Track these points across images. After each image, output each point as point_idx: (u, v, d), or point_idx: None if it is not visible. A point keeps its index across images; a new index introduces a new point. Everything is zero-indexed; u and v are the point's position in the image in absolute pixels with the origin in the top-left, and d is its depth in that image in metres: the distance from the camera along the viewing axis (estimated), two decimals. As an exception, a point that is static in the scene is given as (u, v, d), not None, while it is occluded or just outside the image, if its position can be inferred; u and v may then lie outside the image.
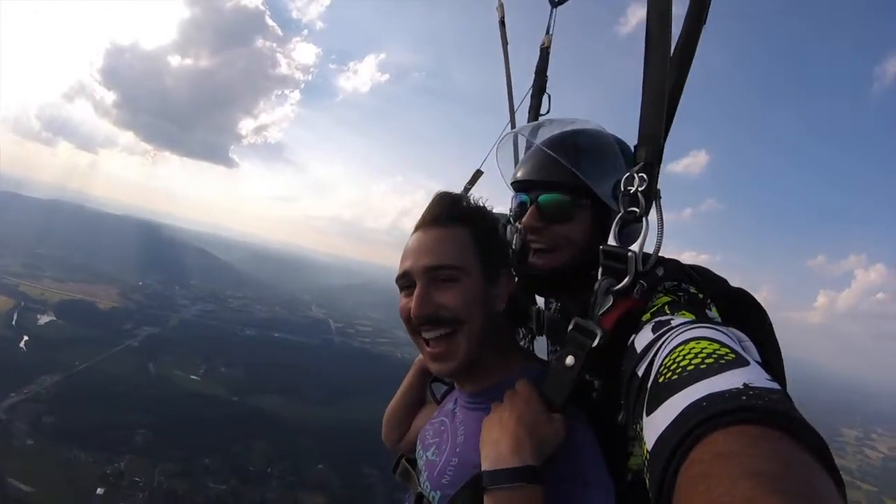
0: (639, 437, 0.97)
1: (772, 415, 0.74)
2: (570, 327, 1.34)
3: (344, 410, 72.95)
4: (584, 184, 1.56)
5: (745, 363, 0.87)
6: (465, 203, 1.61)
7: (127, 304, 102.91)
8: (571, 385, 1.30)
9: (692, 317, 1.20)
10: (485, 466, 1.24)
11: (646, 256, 1.33)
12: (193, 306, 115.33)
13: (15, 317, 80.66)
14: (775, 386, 0.82)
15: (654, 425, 0.88)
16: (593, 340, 1.26)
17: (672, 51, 1.38)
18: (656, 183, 1.35)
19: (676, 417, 0.83)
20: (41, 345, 72.61)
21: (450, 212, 1.56)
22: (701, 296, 1.38)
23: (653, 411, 0.92)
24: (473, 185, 2.31)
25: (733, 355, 0.90)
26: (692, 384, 0.85)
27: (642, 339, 1.17)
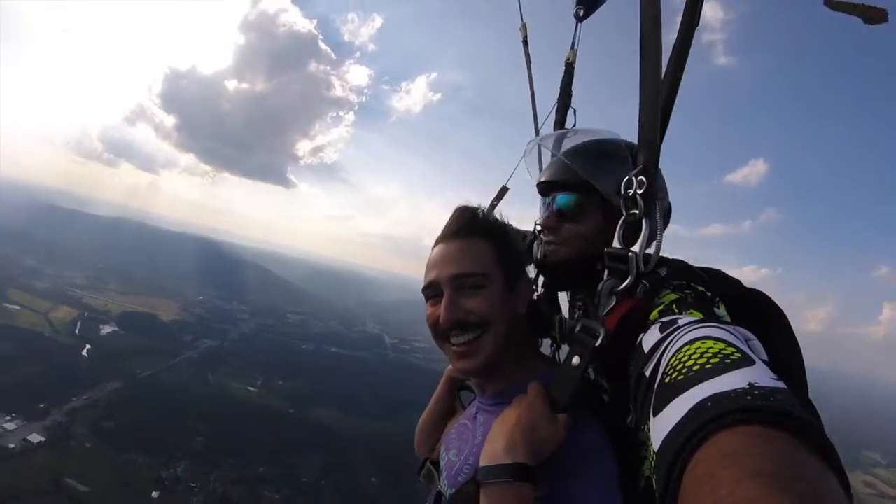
0: (646, 439, 0.98)
1: (777, 415, 0.74)
2: (577, 328, 1.39)
3: (398, 425, 71.16)
4: (589, 180, 1.67)
5: (751, 362, 0.88)
6: (482, 216, 1.74)
7: (187, 318, 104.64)
8: (575, 384, 1.35)
9: (700, 315, 1.22)
10: (481, 463, 1.32)
11: (647, 257, 1.39)
12: (252, 320, 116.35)
13: (78, 326, 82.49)
14: (781, 385, 0.82)
15: (660, 426, 0.89)
16: (597, 340, 1.31)
17: (670, 52, 1.49)
18: (654, 185, 1.40)
19: (682, 418, 0.83)
20: (103, 353, 73.97)
21: (470, 224, 1.68)
22: (709, 294, 1.39)
23: (659, 412, 0.92)
24: (500, 200, 2.34)
25: (739, 354, 0.91)
26: (697, 384, 0.86)
27: (650, 338, 1.19)
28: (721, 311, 1.34)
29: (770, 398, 0.77)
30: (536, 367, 1.66)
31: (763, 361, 0.91)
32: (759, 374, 0.83)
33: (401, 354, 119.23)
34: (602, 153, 1.73)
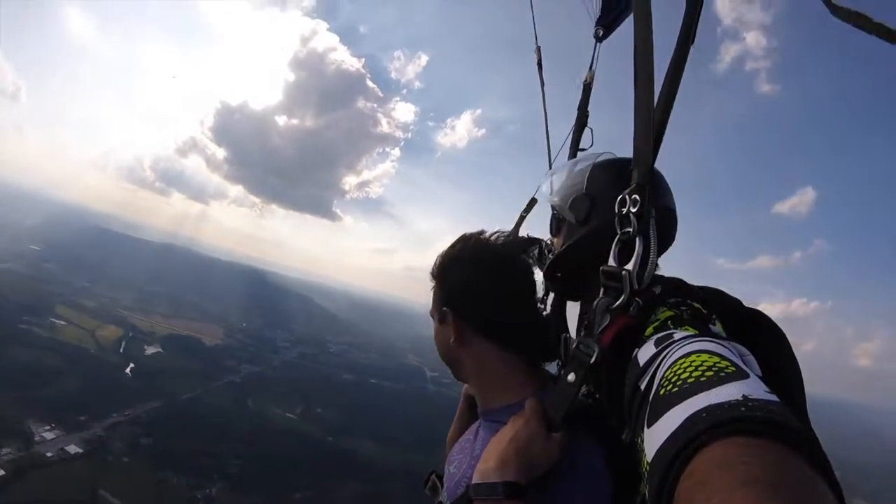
0: (640, 451, 0.99)
1: (771, 426, 0.74)
2: (574, 346, 1.41)
3: (436, 458, 69.00)
4: (555, 204, 1.86)
5: (745, 376, 0.89)
6: (443, 256, 1.85)
7: (231, 343, 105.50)
8: (569, 402, 1.36)
9: (695, 331, 1.24)
10: (473, 479, 1.36)
11: (641, 275, 1.40)
12: (294, 349, 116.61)
13: (123, 345, 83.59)
14: (774, 398, 0.83)
15: (654, 437, 0.89)
16: (591, 357, 1.33)
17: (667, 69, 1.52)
18: (647, 204, 1.41)
19: (676, 429, 0.84)
20: (146, 373, 74.55)
21: (433, 269, 1.87)
22: (705, 311, 1.40)
23: (653, 423, 0.93)
24: (528, 212, 2.44)
25: (733, 368, 0.92)
26: (692, 396, 0.87)
27: (645, 353, 1.20)
28: (717, 327, 1.35)
29: (764, 409, 0.78)
30: (528, 388, 1.67)
31: (757, 376, 0.92)
32: (753, 388, 0.84)
33: (441, 388, 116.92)
34: (567, 173, 1.88)
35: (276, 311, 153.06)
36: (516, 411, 1.47)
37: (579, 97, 2.70)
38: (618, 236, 1.44)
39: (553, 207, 1.88)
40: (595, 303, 1.41)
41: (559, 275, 1.82)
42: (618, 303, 1.37)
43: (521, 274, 1.79)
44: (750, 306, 1.50)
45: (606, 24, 2.61)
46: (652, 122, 1.40)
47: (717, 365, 0.93)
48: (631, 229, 1.40)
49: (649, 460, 0.88)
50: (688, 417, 0.83)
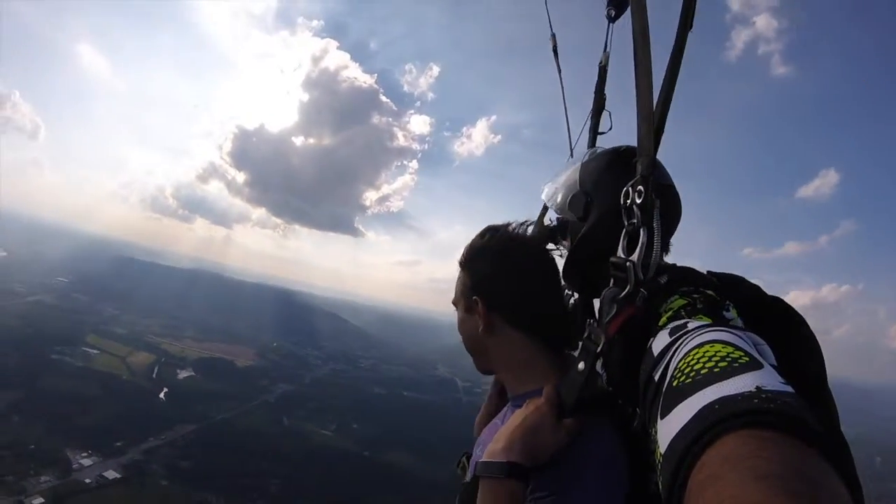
0: (654, 442, 0.99)
1: (784, 418, 0.74)
2: (585, 335, 1.46)
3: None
4: (555, 206, 1.92)
5: (759, 366, 0.88)
6: (471, 246, 1.90)
7: (262, 363, 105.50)
8: (578, 389, 1.41)
9: (709, 320, 1.24)
10: (482, 458, 1.47)
11: (646, 266, 1.41)
12: (325, 366, 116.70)
13: (156, 371, 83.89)
14: (789, 389, 0.82)
15: (667, 428, 0.89)
16: (598, 346, 1.38)
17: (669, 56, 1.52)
18: (650, 195, 1.42)
19: (689, 421, 0.84)
20: (180, 396, 74.72)
21: (461, 258, 1.92)
22: (719, 298, 1.39)
23: (666, 415, 0.93)
24: (546, 211, 2.42)
25: (747, 358, 0.91)
26: (705, 387, 0.86)
27: (659, 342, 1.19)
28: (731, 313, 1.35)
29: (778, 401, 0.77)
30: (551, 375, 1.70)
31: (772, 366, 0.91)
32: (767, 378, 0.84)
33: (473, 398, 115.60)
34: (564, 179, 1.90)
35: (305, 329, 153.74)
36: (529, 396, 1.58)
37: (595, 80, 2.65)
38: (624, 228, 1.47)
39: (556, 212, 1.92)
40: (603, 293, 1.44)
41: (575, 273, 1.84)
42: (623, 293, 1.39)
43: (548, 265, 1.85)
44: (770, 294, 1.49)
45: (618, 3, 2.51)
46: (653, 112, 1.42)
47: (731, 355, 0.92)
48: (636, 220, 1.43)
49: (662, 452, 0.88)
50: (700, 409, 0.83)
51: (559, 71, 2.87)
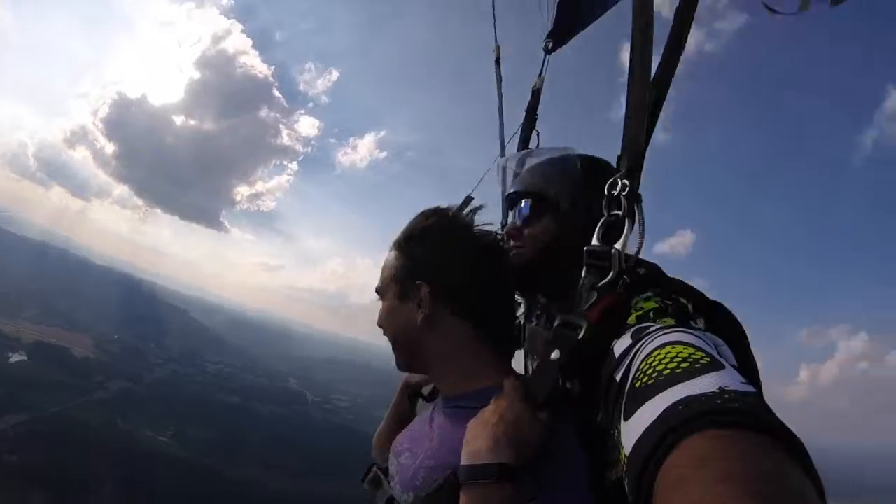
0: (617, 444, 0.98)
1: (748, 417, 0.74)
2: (556, 323, 1.39)
3: (317, 485, 69.33)
4: (541, 189, 1.82)
5: (721, 367, 0.88)
6: (412, 227, 1.72)
7: (101, 356, 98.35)
8: (552, 380, 1.30)
9: (672, 322, 1.23)
10: (463, 461, 1.25)
11: (628, 255, 1.40)
12: (167, 366, 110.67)
13: (-15, 350, 75.83)
14: (750, 389, 0.83)
15: (631, 430, 0.88)
16: (579, 333, 1.29)
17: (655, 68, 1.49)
18: (638, 187, 1.43)
19: (653, 422, 0.83)
20: (10, 382, 68.19)
21: (397, 238, 1.74)
22: (690, 307, 1.39)
23: (630, 416, 0.92)
24: (463, 210, 2.24)
25: (708, 359, 0.91)
26: (667, 388, 0.86)
27: (621, 344, 1.19)
28: (699, 324, 1.34)
29: (741, 401, 0.78)
30: (499, 373, 1.57)
31: (732, 367, 0.93)
32: (729, 379, 0.84)
33: (323, 413, 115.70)
34: (551, 165, 1.90)
35: (151, 323, 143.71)
36: (487, 396, 1.39)
37: (528, 100, 2.77)
38: (604, 218, 1.46)
39: (537, 193, 1.83)
40: (581, 282, 1.43)
41: (550, 263, 1.76)
42: (606, 280, 1.37)
43: (503, 255, 1.73)
44: (712, 299, 1.52)
45: (557, 39, 2.68)
46: (646, 109, 1.42)
47: (693, 356, 0.92)
48: (620, 211, 1.43)
49: (626, 454, 0.87)
50: (663, 411, 0.82)
51: (499, 81, 2.99)
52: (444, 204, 1.74)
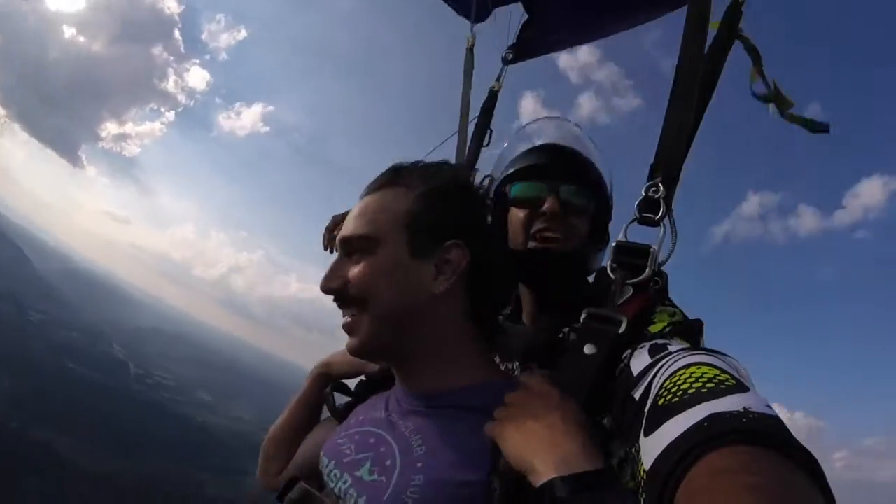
0: (633, 460, 0.96)
1: (770, 437, 0.75)
2: (584, 317, 1.23)
3: (127, 464, 68.43)
4: (597, 183, 1.70)
5: (746, 389, 0.88)
6: (411, 166, 1.37)
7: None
8: (593, 376, 1.13)
9: (687, 344, 1.18)
10: (550, 474, 0.92)
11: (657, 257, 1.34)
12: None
13: None
14: (773, 413, 0.82)
15: (654, 445, 0.86)
16: (618, 328, 1.17)
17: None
18: (673, 197, 1.36)
19: (677, 437, 0.82)
20: None
21: (389, 177, 1.34)
22: (696, 326, 1.36)
23: (651, 432, 0.90)
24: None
25: (734, 381, 0.90)
26: (693, 406, 0.85)
27: (639, 361, 1.10)
28: (702, 340, 1.32)
29: (764, 422, 0.78)
30: (493, 369, 1.36)
31: (755, 391, 0.89)
32: (753, 401, 0.83)
33: (144, 388, 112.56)
34: (603, 159, 1.77)
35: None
36: (482, 395, 1.20)
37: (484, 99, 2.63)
38: (634, 218, 1.37)
39: (602, 189, 1.70)
40: (614, 276, 1.30)
41: (577, 259, 1.63)
42: (642, 277, 1.27)
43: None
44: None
45: (517, 54, 2.60)
46: (688, 121, 1.37)
47: (718, 377, 0.90)
48: (655, 215, 1.34)
49: (647, 468, 0.85)
50: (690, 426, 0.81)
51: (469, 69, 2.74)
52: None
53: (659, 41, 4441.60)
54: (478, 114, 2.60)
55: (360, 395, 1.65)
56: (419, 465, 1.15)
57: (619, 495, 0.92)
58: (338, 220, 1.99)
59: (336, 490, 1.26)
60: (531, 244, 1.61)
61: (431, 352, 1.28)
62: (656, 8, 2.26)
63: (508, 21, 2.67)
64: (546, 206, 1.59)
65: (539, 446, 1.00)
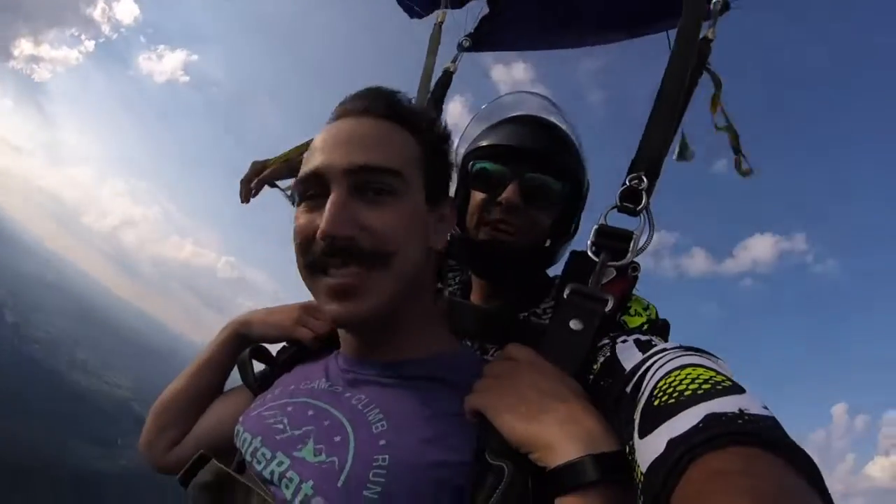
0: (633, 461, 0.88)
1: (767, 439, 0.73)
2: (568, 293, 1.14)
3: None
4: (574, 172, 1.58)
5: (742, 391, 0.85)
6: (407, 104, 1.14)
7: None
8: (585, 351, 1.05)
9: (665, 341, 1.10)
10: (576, 452, 0.82)
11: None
12: None
13: None
14: (770, 414, 0.80)
15: (650, 447, 0.82)
16: (605, 305, 1.10)
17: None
18: (653, 189, 1.30)
19: (674, 438, 0.79)
20: None
21: (390, 106, 1.09)
22: (663, 323, 1.40)
23: (647, 434, 0.85)
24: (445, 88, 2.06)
25: (729, 382, 0.87)
26: (690, 407, 0.82)
27: (628, 355, 1.03)
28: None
29: (761, 424, 0.76)
30: (450, 344, 1.18)
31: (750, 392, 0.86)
32: (749, 402, 0.80)
33: (16, 337, 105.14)
34: (580, 146, 1.65)
35: None
36: (446, 365, 1.07)
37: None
38: (615, 205, 1.29)
39: (575, 176, 1.59)
40: (597, 257, 1.20)
41: (535, 254, 1.55)
42: (624, 261, 1.20)
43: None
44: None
45: (476, 43, 2.42)
46: (675, 109, 1.32)
47: (714, 378, 0.87)
48: (636, 205, 1.26)
49: (643, 470, 0.81)
50: (685, 428, 0.78)
51: (435, 45, 2.42)
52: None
53: (592, 71, 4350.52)
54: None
55: (284, 364, 1.33)
56: (382, 442, 0.93)
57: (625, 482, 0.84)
58: (258, 169, 1.80)
59: (267, 473, 0.98)
60: (483, 233, 1.51)
61: (417, 316, 1.11)
62: (626, 31, 2.23)
63: (466, 13, 2.50)
64: (504, 195, 1.49)
65: (555, 421, 0.90)
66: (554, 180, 1.52)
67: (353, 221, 0.96)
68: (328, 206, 0.95)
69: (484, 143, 1.59)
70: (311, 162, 1.03)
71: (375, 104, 1.08)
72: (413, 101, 1.17)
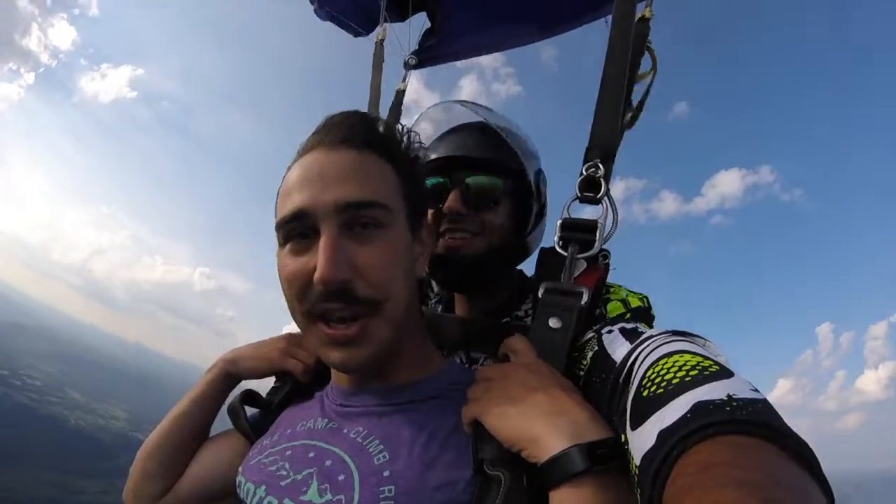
0: (627, 452, 0.87)
1: (757, 425, 0.71)
2: (542, 291, 1.15)
3: None
4: (512, 166, 1.54)
5: (729, 374, 0.83)
6: (382, 126, 1.12)
7: None
8: (567, 348, 1.06)
9: (645, 326, 1.11)
10: (561, 444, 0.81)
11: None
12: None
13: None
14: (760, 396, 0.78)
15: (641, 440, 0.81)
16: (580, 299, 1.10)
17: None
18: (612, 172, 1.28)
19: (662, 430, 0.77)
20: None
21: (367, 134, 1.05)
22: (648, 307, 1.38)
23: (638, 426, 0.83)
24: (399, 107, 2.07)
25: (717, 367, 0.85)
26: (677, 397, 0.80)
27: (616, 345, 1.02)
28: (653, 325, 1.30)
29: (750, 409, 0.74)
30: (439, 362, 1.18)
31: (739, 374, 0.85)
32: (737, 386, 0.79)
33: (8, 389, 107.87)
34: (523, 137, 1.63)
35: None
36: (437, 383, 1.08)
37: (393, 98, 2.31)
38: (575, 197, 1.27)
39: (514, 169, 1.55)
40: (569, 249, 1.20)
41: (495, 257, 1.52)
42: (591, 252, 1.19)
43: None
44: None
45: (421, 59, 2.41)
46: (622, 95, 1.29)
47: (701, 364, 0.85)
48: (596, 194, 1.25)
49: (637, 464, 0.80)
50: (673, 419, 0.77)
51: (378, 62, 2.32)
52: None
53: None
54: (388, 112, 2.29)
55: (277, 405, 1.31)
56: (385, 473, 0.92)
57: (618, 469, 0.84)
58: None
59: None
60: (439, 246, 1.51)
61: (407, 344, 1.10)
62: (568, 22, 2.20)
63: (409, 28, 2.48)
64: (447, 204, 1.50)
65: (540, 414, 0.89)
66: (494, 178, 1.52)
67: (348, 263, 0.94)
68: (322, 249, 0.93)
69: (426, 162, 1.58)
70: (292, 200, 0.98)
71: (352, 133, 1.03)
72: (382, 123, 1.14)
